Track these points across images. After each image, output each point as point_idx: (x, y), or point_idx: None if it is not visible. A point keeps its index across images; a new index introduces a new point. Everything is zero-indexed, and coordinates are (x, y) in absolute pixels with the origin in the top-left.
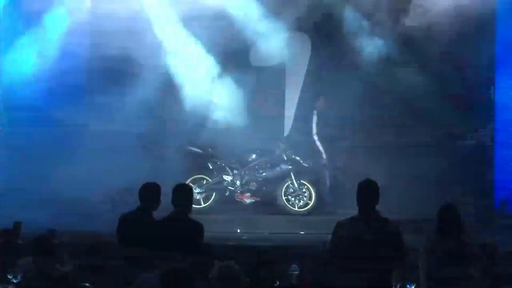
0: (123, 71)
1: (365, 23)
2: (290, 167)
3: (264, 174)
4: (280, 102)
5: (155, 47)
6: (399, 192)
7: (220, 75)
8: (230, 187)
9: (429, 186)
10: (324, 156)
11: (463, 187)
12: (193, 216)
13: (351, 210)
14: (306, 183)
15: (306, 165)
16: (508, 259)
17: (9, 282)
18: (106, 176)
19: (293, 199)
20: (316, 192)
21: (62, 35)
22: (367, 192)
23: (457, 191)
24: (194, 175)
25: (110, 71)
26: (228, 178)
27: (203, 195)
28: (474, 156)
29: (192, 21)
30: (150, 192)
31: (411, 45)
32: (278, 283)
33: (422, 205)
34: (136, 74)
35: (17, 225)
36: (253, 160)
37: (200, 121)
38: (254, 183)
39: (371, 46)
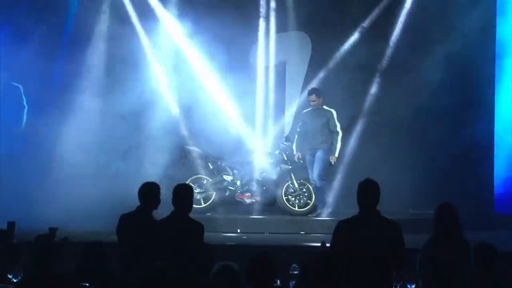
0: (119, 70)
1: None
2: (290, 167)
3: (264, 174)
4: (280, 102)
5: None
6: (399, 190)
7: (220, 74)
8: (230, 187)
9: (429, 184)
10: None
11: (462, 186)
12: (193, 216)
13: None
14: (306, 183)
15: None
16: (507, 259)
17: (9, 282)
18: (105, 175)
19: (293, 199)
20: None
21: None
22: (368, 191)
23: (456, 189)
24: (194, 175)
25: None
26: (228, 178)
27: (203, 195)
28: (474, 154)
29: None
30: (149, 191)
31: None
32: (278, 283)
33: (422, 203)
34: (132, 72)
35: (11, 225)
36: (253, 160)
37: (200, 121)
38: (254, 183)
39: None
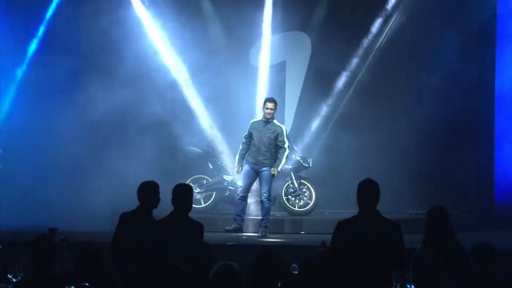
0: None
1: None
2: (290, 167)
3: None
4: (280, 102)
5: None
6: (399, 190)
7: (220, 75)
8: (230, 187)
9: (428, 182)
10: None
11: (462, 184)
12: (193, 216)
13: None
14: (306, 183)
15: (306, 165)
16: (507, 259)
17: (9, 282)
18: (106, 175)
19: (293, 199)
20: (316, 192)
21: None
22: (368, 191)
23: (456, 188)
24: (194, 175)
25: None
26: (228, 178)
27: (203, 195)
28: (474, 151)
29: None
30: (149, 191)
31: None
32: (278, 284)
33: (422, 202)
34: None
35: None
36: None
37: (200, 120)
38: (254, 183)
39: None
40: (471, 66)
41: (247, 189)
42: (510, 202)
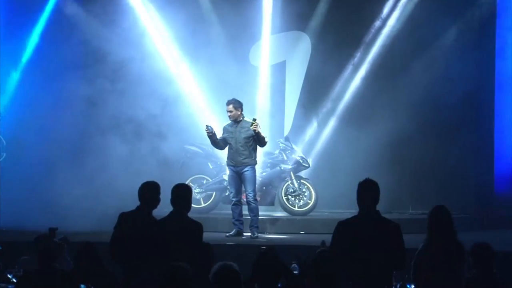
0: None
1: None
2: (290, 167)
3: (264, 174)
4: (280, 102)
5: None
6: (397, 188)
7: (220, 74)
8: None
9: (428, 181)
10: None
11: (462, 183)
12: (193, 216)
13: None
14: (306, 183)
15: (306, 165)
16: (506, 259)
17: (9, 282)
18: (106, 176)
19: (293, 199)
20: (316, 192)
21: None
22: (367, 191)
23: (456, 186)
24: (194, 175)
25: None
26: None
27: (203, 195)
28: (474, 150)
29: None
30: (149, 191)
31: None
32: (278, 284)
33: (422, 201)
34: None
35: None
36: None
37: (199, 120)
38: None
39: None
40: (470, 62)
41: (238, 192)
42: (510, 198)
